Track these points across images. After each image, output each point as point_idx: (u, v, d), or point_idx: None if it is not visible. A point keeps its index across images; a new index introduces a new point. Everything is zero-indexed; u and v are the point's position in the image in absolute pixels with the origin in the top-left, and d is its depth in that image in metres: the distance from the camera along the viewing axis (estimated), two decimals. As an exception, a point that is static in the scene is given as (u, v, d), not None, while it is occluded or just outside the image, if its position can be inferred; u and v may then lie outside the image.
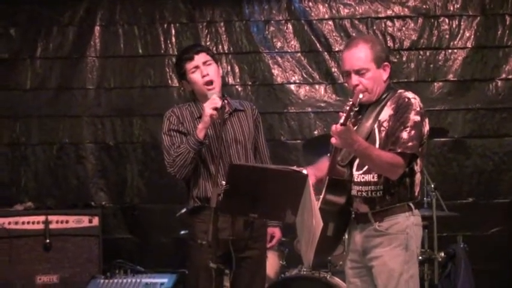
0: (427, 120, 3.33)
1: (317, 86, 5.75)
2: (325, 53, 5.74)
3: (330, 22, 5.75)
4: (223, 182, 3.31)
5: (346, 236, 3.62)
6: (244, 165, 3.67)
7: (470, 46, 5.63)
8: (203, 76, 3.77)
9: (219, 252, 3.52)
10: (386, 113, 3.32)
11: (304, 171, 3.24)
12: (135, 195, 5.79)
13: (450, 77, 5.65)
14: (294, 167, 3.31)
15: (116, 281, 4.80)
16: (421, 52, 5.68)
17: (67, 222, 5.20)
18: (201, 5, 5.82)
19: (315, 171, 3.48)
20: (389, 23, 5.70)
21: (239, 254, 3.71)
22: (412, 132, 3.22)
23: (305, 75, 5.75)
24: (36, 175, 5.81)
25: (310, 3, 5.75)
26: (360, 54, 3.32)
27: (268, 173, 3.37)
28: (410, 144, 3.20)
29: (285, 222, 3.57)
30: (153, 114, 5.67)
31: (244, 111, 3.94)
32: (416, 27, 5.68)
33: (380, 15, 5.71)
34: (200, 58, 3.81)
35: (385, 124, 3.30)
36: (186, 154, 3.67)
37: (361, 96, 3.13)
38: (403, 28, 5.70)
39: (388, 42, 5.62)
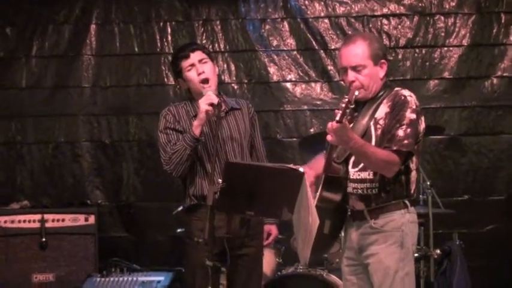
0: (423, 118, 3.33)
1: (313, 84, 5.76)
2: (321, 51, 5.74)
3: (326, 20, 5.75)
4: (220, 180, 3.32)
5: (343, 234, 3.63)
6: (240, 163, 3.67)
7: (465, 44, 5.64)
8: (199, 74, 3.78)
9: (216, 250, 3.51)
10: (383, 110, 3.32)
11: (301, 169, 3.25)
12: (131, 194, 5.79)
13: (446, 74, 5.66)
14: (291, 165, 3.31)
15: (112, 279, 4.79)
16: (417, 50, 5.69)
17: (63, 220, 5.20)
18: (197, 3, 5.82)
19: (311, 169, 3.48)
20: (385, 21, 5.71)
21: (236, 251, 3.72)
22: (408, 130, 3.23)
23: (301, 73, 5.76)
24: (32, 174, 5.81)
25: (306, 2, 5.76)
26: (357, 51, 3.32)
27: (264, 171, 3.37)
28: (406, 142, 3.21)
29: (281, 219, 3.58)
30: (149, 112, 5.67)
31: (240, 109, 3.94)
32: (412, 25, 5.69)
33: (376, 13, 5.72)
34: (196, 56, 3.81)
35: (381, 122, 3.30)
36: (183, 151, 3.67)
37: (356, 93, 3.13)
38: (399, 26, 5.71)
39: (384, 40, 5.62)
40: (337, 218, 3.45)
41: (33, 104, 5.82)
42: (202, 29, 5.81)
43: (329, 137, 3.10)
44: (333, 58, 5.69)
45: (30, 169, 5.81)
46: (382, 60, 3.37)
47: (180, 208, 4.15)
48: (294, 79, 5.76)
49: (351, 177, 3.36)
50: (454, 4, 5.66)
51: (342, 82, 3.46)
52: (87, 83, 5.83)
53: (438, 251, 4.77)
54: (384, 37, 5.65)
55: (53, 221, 5.18)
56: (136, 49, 5.82)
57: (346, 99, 3.05)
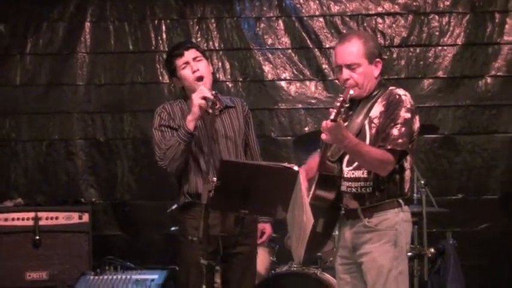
0: (417, 117, 3.34)
1: (308, 83, 5.76)
2: (316, 50, 5.75)
3: (321, 19, 5.76)
4: (214, 179, 3.32)
5: (337, 232, 3.63)
6: (235, 161, 3.67)
7: (460, 43, 5.65)
8: (193, 72, 3.78)
9: (210, 249, 3.51)
10: (377, 109, 3.33)
11: (295, 168, 3.25)
12: (125, 192, 5.78)
13: (440, 73, 5.67)
14: (285, 164, 3.31)
15: (106, 277, 4.77)
16: (411, 49, 5.70)
17: (57, 218, 5.19)
18: (192, 1, 5.81)
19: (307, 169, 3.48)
20: (379, 20, 5.72)
21: (230, 250, 3.73)
22: (403, 129, 3.23)
23: (296, 72, 5.76)
24: (26, 171, 5.79)
25: (301, 0, 5.76)
26: (352, 49, 3.33)
27: (259, 169, 3.37)
28: (400, 141, 3.21)
29: (275, 218, 3.58)
30: (144, 110, 5.66)
31: (234, 107, 3.95)
32: (406, 24, 5.70)
33: (370, 12, 5.72)
34: (190, 54, 3.81)
35: (376, 120, 3.30)
36: (177, 146, 3.67)
37: (351, 92, 3.13)
38: (394, 25, 5.72)
39: (379, 39, 5.62)
40: (331, 216, 3.45)
41: (28, 102, 5.81)
42: (197, 27, 5.80)
43: (323, 136, 3.10)
44: (327, 57, 5.69)
45: (24, 167, 5.79)
46: (377, 59, 3.37)
47: (175, 206, 4.15)
48: (288, 77, 5.76)
49: (345, 175, 3.36)
50: (448, 3, 5.67)
51: (337, 81, 3.47)
52: (81, 81, 5.82)
53: (432, 250, 4.77)
54: (379, 36, 5.65)
55: (46, 219, 5.16)
56: (131, 47, 5.81)
57: (341, 98, 3.05)
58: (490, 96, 5.62)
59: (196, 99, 3.63)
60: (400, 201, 3.33)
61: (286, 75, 5.77)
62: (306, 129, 5.69)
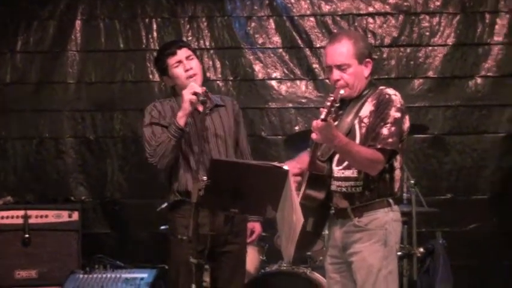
0: (407, 116, 3.35)
1: (298, 82, 5.76)
2: (307, 49, 5.75)
3: (312, 18, 5.76)
4: (204, 177, 3.31)
5: (327, 232, 3.63)
6: (225, 160, 3.68)
7: (450, 43, 5.67)
8: (186, 70, 3.78)
9: (200, 248, 3.51)
10: (367, 109, 3.33)
11: (285, 167, 3.25)
12: (115, 190, 5.77)
13: (430, 74, 5.68)
14: (275, 163, 3.32)
15: (95, 276, 4.77)
16: (402, 49, 5.70)
17: (46, 217, 5.17)
18: (183, 0, 5.80)
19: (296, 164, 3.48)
20: (370, 19, 5.73)
21: (219, 248, 3.73)
22: (393, 128, 3.24)
23: (286, 71, 5.76)
24: (16, 169, 5.77)
25: (292, 0, 5.76)
26: (342, 50, 3.33)
27: (249, 169, 3.37)
28: (390, 140, 3.22)
29: (265, 217, 3.58)
30: (134, 108, 5.65)
31: (225, 106, 3.95)
32: (397, 24, 5.71)
33: (361, 12, 5.73)
34: (183, 53, 3.82)
35: (366, 120, 3.31)
36: (167, 142, 3.67)
37: (342, 91, 3.14)
38: (384, 25, 5.72)
39: (369, 38, 5.63)
40: (320, 215, 3.45)
41: (18, 100, 5.78)
42: (188, 26, 5.80)
43: (314, 135, 3.11)
44: (318, 56, 5.70)
45: (14, 165, 5.77)
46: (367, 59, 3.38)
47: (165, 205, 4.15)
48: (279, 77, 5.76)
49: (335, 175, 3.37)
50: (439, 4, 5.68)
51: (327, 80, 3.48)
52: (72, 79, 5.80)
53: (421, 250, 4.79)
54: (369, 36, 5.66)
55: (36, 217, 5.15)
56: (121, 45, 5.80)
57: (331, 98, 3.06)
58: (480, 97, 5.64)
59: (187, 95, 3.63)
60: (390, 200, 3.33)
61: (276, 74, 5.77)
62: (297, 128, 5.69)
